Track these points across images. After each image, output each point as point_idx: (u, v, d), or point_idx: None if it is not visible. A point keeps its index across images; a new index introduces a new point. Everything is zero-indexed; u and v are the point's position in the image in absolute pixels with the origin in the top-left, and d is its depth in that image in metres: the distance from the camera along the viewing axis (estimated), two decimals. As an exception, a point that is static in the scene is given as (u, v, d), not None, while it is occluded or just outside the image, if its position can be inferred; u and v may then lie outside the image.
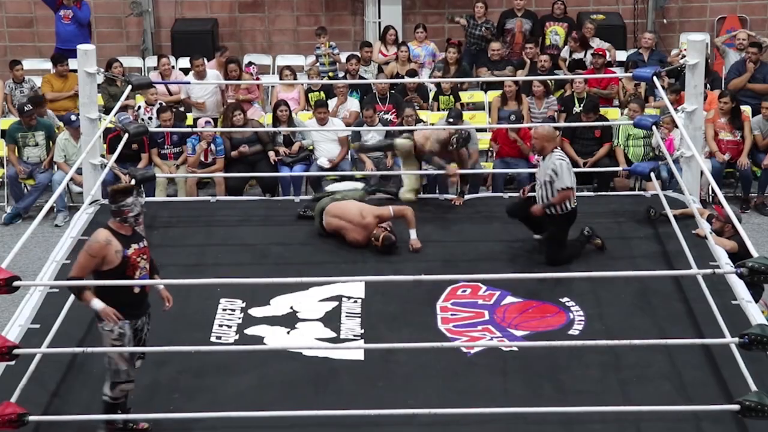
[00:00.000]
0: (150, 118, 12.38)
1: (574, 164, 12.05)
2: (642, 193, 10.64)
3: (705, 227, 8.93)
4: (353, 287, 8.61)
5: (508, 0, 14.71)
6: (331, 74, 13.84)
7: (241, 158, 12.04)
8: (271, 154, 12.01)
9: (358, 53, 13.88)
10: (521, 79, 12.96)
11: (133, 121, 12.00)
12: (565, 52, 14.10)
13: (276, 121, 12.15)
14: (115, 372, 6.86)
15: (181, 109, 13.00)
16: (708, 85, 12.78)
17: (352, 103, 12.91)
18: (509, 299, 8.51)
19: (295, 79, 13.17)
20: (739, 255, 8.33)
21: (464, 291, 8.63)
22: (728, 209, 8.16)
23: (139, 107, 12.51)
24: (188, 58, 13.46)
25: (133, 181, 10.01)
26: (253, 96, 13.11)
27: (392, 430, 6.90)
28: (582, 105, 12.42)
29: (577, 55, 13.93)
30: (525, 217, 9.24)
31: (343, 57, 13.85)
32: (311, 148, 12.29)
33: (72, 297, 7.91)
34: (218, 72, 13.38)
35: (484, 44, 14.22)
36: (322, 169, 12.02)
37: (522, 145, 12.20)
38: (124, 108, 12.03)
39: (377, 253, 9.21)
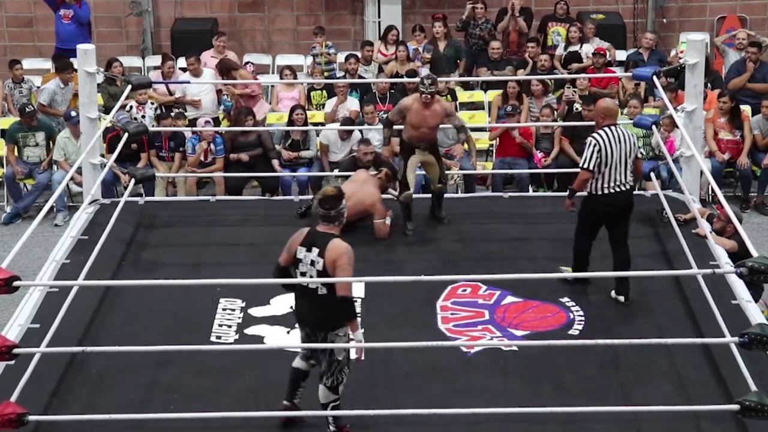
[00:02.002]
0: (143, 116, 12.39)
1: (574, 164, 12.10)
2: (642, 192, 10.61)
3: (705, 227, 8.93)
4: (353, 287, 8.58)
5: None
6: (326, 74, 13.82)
7: (239, 163, 12.02)
8: (275, 162, 12.01)
9: (357, 53, 13.88)
10: (521, 78, 12.97)
11: (131, 120, 12.01)
12: (560, 50, 14.10)
13: (291, 125, 12.11)
14: (340, 372, 6.80)
15: (178, 110, 12.96)
16: (709, 85, 12.79)
17: (352, 103, 12.90)
18: (509, 299, 8.51)
19: (295, 78, 13.17)
20: (739, 255, 8.32)
21: (464, 290, 8.63)
22: (728, 209, 8.16)
23: (131, 107, 12.48)
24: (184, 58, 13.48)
25: (132, 181, 10.03)
26: (249, 90, 13.09)
27: (392, 430, 6.91)
28: (581, 101, 12.44)
29: (573, 48, 13.93)
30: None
31: (342, 56, 13.85)
32: (311, 156, 12.29)
33: (71, 296, 7.92)
34: (214, 71, 13.38)
35: (483, 44, 14.23)
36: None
37: (524, 142, 12.21)
38: (122, 108, 12.04)
39: (377, 252, 9.20)
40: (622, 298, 8.33)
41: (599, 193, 8.17)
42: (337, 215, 6.82)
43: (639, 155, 8.34)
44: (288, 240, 6.91)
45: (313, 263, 6.73)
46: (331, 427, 6.88)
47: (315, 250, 6.72)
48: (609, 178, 8.12)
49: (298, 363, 7.05)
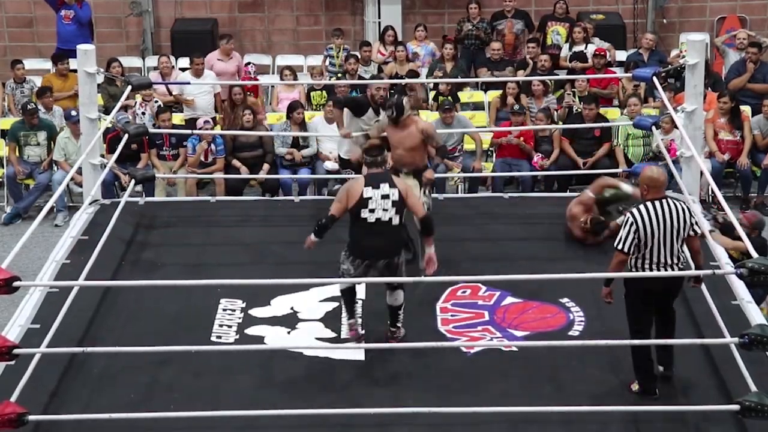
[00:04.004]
0: (144, 113, 12.41)
1: (574, 164, 12.13)
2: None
3: (704, 226, 8.86)
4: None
5: (500, 0, 14.71)
6: (339, 75, 13.85)
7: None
8: (265, 167, 12.00)
9: (357, 53, 13.90)
10: (521, 80, 12.97)
11: (131, 121, 12.01)
12: (565, 51, 14.12)
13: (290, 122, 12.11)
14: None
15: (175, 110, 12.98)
16: (709, 87, 12.79)
17: None
18: (509, 300, 8.51)
19: (295, 79, 13.18)
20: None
21: (464, 292, 8.62)
22: (729, 213, 8.14)
23: (136, 103, 12.49)
24: (188, 58, 13.46)
25: (132, 182, 10.03)
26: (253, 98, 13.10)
27: (392, 430, 6.91)
28: (582, 101, 12.44)
29: (578, 48, 13.94)
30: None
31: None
32: (312, 154, 12.27)
33: (72, 296, 7.92)
34: (214, 74, 13.36)
35: (479, 44, 14.27)
36: (329, 172, 11.75)
37: (522, 144, 12.21)
38: (123, 108, 12.04)
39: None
40: (661, 368, 7.38)
41: (641, 272, 7.20)
42: (383, 160, 7.72)
43: (693, 232, 7.18)
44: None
45: (385, 196, 7.53)
46: (401, 323, 7.88)
47: (384, 186, 7.55)
48: (651, 259, 7.11)
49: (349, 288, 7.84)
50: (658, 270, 7.10)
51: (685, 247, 7.29)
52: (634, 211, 7.09)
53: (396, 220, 7.57)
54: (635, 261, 7.14)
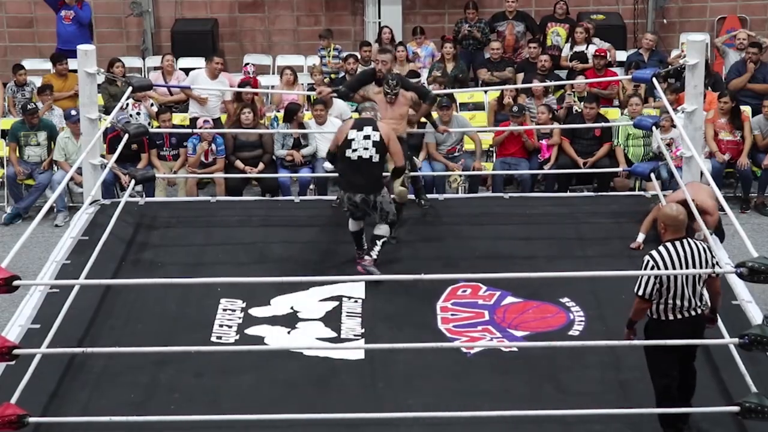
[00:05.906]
0: (138, 113, 12.39)
1: (574, 164, 12.12)
2: (642, 193, 10.64)
3: (705, 230, 8.66)
4: (353, 287, 8.61)
5: (500, 1, 14.69)
6: (333, 76, 13.84)
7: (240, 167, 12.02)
8: (260, 166, 12.01)
9: (357, 53, 13.90)
10: (520, 87, 12.94)
11: (131, 121, 12.00)
12: (565, 51, 14.11)
13: (290, 123, 12.09)
14: (393, 214, 8.75)
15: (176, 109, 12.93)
16: (709, 87, 12.78)
17: (340, 107, 12.67)
18: (509, 299, 8.51)
19: (295, 78, 13.16)
20: None
21: (464, 291, 8.63)
22: (729, 210, 8.14)
23: (127, 104, 12.44)
24: (190, 58, 13.42)
25: (132, 182, 10.03)
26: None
27: (392, 430, 6.91)
28: (582, 101, 12.43)
29: (579, 48, 13.93)
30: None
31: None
32: (312, 153, 12.25)
33: (72, 296, 7.92)
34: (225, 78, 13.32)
35: (477, 44, 14.27)
36: (328, 171, 11.75)
37: (526, 140, 12.19)
38: (122, 109, 12.02)
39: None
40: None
41: (663, 318, 6.77)
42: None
43: (714, 274, 6.77)
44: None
45: (367, 137, 8.52)
46: (375, 255, 8.63)
47: (367, 128, 8.56)
48: (673, 304, 6.72)
49: (352, 226, 8.84)
50: (683, 315, 6.71)
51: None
52: (654, 253, 6.67)
53: (376, 158, 8.52)
54: (657, 307, 6.73)
